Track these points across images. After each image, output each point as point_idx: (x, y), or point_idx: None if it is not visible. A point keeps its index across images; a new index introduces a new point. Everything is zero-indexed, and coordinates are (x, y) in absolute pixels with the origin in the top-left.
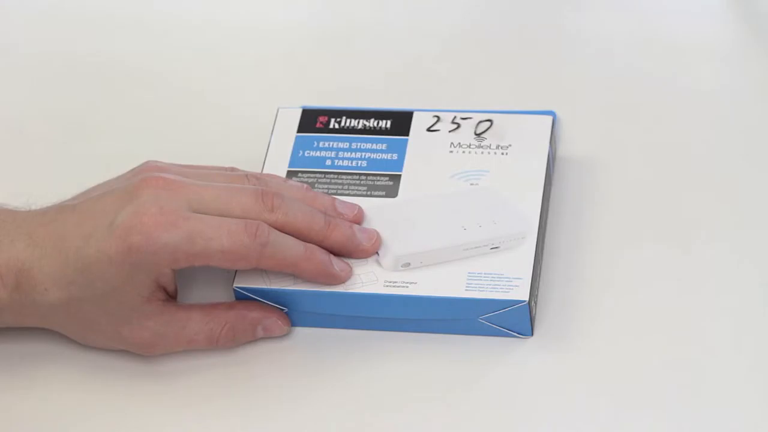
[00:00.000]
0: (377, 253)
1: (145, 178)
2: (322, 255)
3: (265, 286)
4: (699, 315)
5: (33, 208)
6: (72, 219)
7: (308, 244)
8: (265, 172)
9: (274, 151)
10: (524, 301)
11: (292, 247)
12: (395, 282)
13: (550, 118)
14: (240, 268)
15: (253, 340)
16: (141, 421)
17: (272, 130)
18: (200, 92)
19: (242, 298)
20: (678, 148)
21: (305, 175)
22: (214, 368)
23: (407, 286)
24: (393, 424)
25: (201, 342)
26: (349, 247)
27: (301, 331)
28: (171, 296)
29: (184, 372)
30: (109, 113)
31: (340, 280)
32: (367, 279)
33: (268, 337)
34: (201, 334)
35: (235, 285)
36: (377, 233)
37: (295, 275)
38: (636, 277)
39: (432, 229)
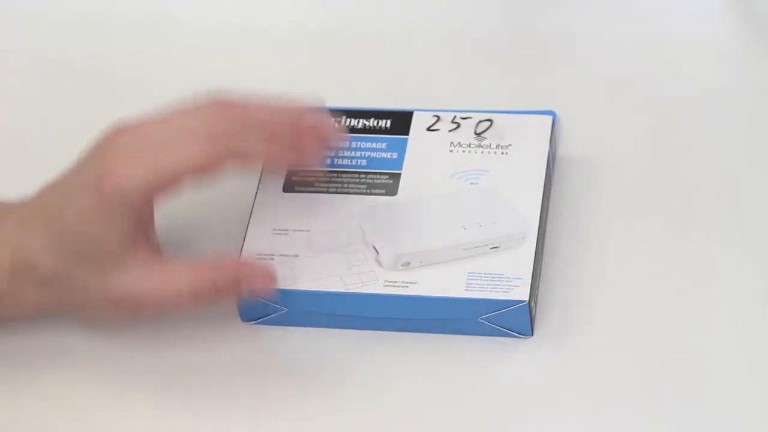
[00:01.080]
0: (377, 251)
1: (108, 136)
2: (288, 135)
3: None
4: (699, 314)
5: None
6: (51, 190)
7: (271, 129)
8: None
9: None
10: (524, 301)
11: (258, 134)
12: (395, 282)
13: (550, 118)
14: (213, 173)
15: (238, 297)
16: (141, 421)
17: None
18: (200, 92)
19: (242, 298)
20: (678, 148)
21: (305, 174)
22: (213, 368)
23: (407, 286)
24: (393, 424)
25: (186, 295)
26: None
27: (301, 331)
28: (155, 248)
29: (184, 372)
30: (110, 114)
31: (313, 153)
32: (367, 279)
33: (254, 295)
34: (186, 287)
35: None
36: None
37: (271, 162)
38: (636, 277)
39: (432, 228)
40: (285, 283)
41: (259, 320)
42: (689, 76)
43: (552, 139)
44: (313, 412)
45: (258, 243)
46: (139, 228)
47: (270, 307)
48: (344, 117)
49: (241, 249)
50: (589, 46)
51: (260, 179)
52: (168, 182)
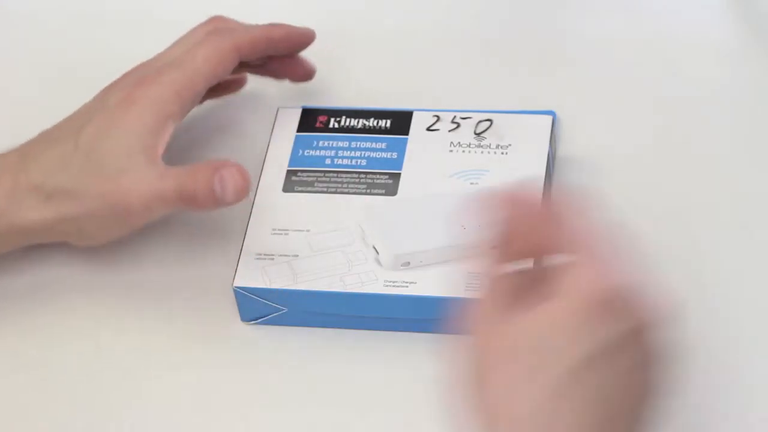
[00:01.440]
0: (377, 251)
1: (122, 75)
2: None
3: (265, 286)
4: (700, 316)
5: None
6: (62, 123)
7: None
8: (265, 171)
9: (274, 151)
10: None
11: (252, 26)
12: (395, 282)
13: (550, 118)
14: (227, 66)
15: (215, 203)
16: (139, 416)
17: (272, 130)
18: None
19: (242, 298)
20: (678, 147)
21: (305, 174)
22: (212, 369)
23: (407, 286)
24: (394, 424)
25: (170, 195)
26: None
27: (301, 331)
28: (158, 160)
29: (183, 372)
30: None
31: (311, 35)
32: (367, 278)
33: (225, 202)
34: (171, 186)
35: (234, 285)
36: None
37: (272, 49)
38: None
39: (432, 228)
40: (285, 283)
41: (259, 320)
42: (689, 76)
43: (552, 139)
44: (312, 412)
45: (257, 243)
46: (151, 141)
47: (270, 307)
48: (344, 117)
49: (241, 249)
50: (589, 46)
51: (259, 179)
52: (191, 86)
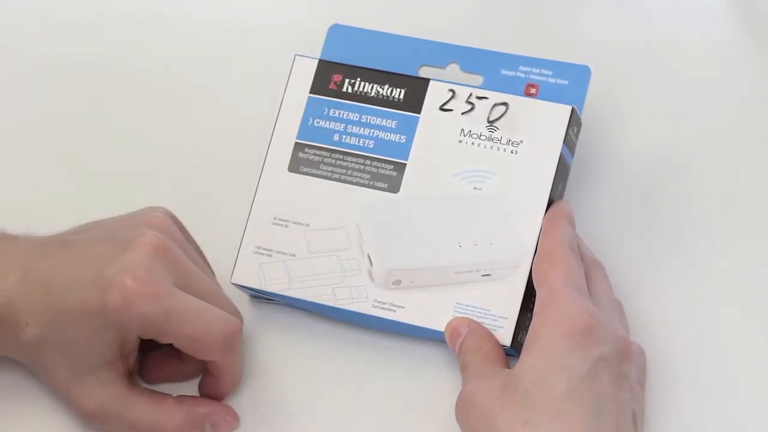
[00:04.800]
0: (371, 262)
1: (145, 234)
2: None
3: (260, 287)
4: (700, 320)
5: (34, 233)
6: (67, 258)
7: None
8: (275, 139)
9: (286, 113)
10: (507, 346)
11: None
12: (383, 303)
13: (569, 109)
14: (202, 357)
15: None
16: None
17: (287, 82)
18: (201, 92)
19: (242, 288)
20: (677, 148)
21: (312, 151)
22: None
23: (395, 310)
24: (394, 425)
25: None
26: None
27: (300, 331)
28: (129, 373)
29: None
30: (110, 113)
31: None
32: (357, 295)
33: None
34: (145, 424)
35: (232, 281)
36: None
37: None
38: (637, 280)
39: (427, 242)
40: (279, 287)
41: (263, 300)
42: (689, 76)
43: (570, 129)
44: (312, 412)
45: (258, 232)
46: (122, 349)
47: (268, 298)
48: (359, 80)
49: (242, 237)
50: (588, 46)
51: (268, 149)
52: (165, 337)
